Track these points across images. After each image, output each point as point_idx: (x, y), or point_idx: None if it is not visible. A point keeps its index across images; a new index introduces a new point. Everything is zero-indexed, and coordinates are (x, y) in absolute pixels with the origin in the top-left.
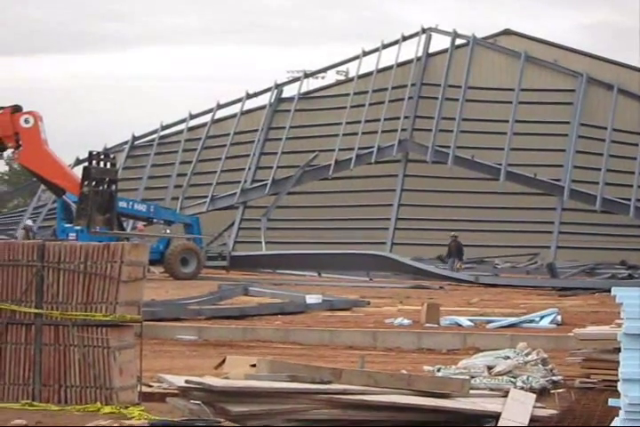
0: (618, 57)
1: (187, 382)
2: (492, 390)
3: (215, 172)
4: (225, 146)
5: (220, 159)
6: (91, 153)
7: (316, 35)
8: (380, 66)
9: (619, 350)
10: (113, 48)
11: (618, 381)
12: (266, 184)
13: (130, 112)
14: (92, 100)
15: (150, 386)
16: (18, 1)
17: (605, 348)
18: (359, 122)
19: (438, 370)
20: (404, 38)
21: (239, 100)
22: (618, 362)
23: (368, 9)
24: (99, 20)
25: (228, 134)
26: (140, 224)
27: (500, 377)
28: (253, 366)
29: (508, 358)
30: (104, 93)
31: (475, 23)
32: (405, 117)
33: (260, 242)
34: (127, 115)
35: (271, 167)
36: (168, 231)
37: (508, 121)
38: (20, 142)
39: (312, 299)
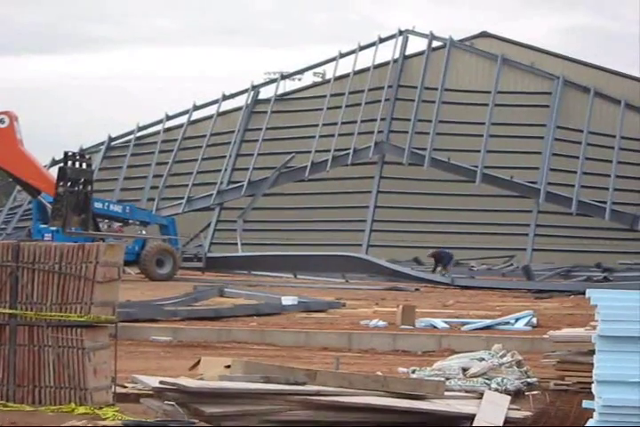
0: (594, 60)
1: (161, 382)
2: (466, 391)
3: (191, 173)
4: (201, 147)
5: (196, 160)
6: (66, 153)
7: (294, 37)
8: (357, 68)
9: (593, 352)
10: (93, 49)
11: (592, 383)
12: (242, 186)
13: (108, 113)
14: (72, 100)
15: (125, 387)
16: (2, 2)
17: (580, 350)
18: (336, 124)
19: (413, 372)
20: (381, 40)
21: (216, 102)
22: (592, 364)
23: (346, 11)
24: (81, 21)
25: (205, 136)
26: (117, 225)
27: (474, 379)
28: (228, 367)
29: (483, 359)
30: (83, 94)
31: (452, 26)
32: (382, 119)
33: (236, 243)
34: (106, 115)
35: (247, 169)
36: (144, 232)
37: (484, 123)
38: None
39: (288, 300)
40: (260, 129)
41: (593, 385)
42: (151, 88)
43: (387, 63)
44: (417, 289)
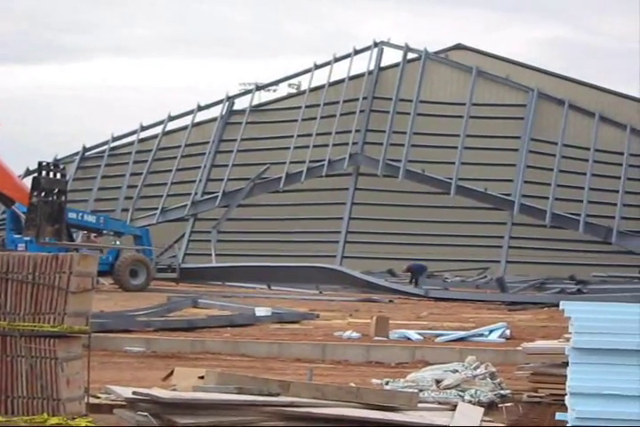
0: (569, 73)
1: (134, 393)
2: (440, 403)
3: (166, 183)
4: (176, 158)
5: (170, 171)
6: (40, 163)
7: (270, 48)
8: (332, 79)
9: (567, 364)
10: (66, 59)
11: (565, 395)
12: (216, 196)
13: (82, 123)
14: (45, 110)
15: (98, 397)
16: None
17: (553, 362)
18: (310, 135)
19: (387, 383)
20: (356, 52)
21: (190, 112)
22: (566, 376)
23: (322, 22)
24: (54, 30)
25: (179, 146)
26: (93, 235)
27: (448, 391)
28: (201, 378)
29: (457, 371)
30: (57, 104)
31: (428, 37)
32: (356, 131)
33: (210, 254)
34: (80, 125)
35: (222, 179)
36: (118, 243)
37: (459, 135)
38: None
39: (261, 311)
40: (235, 140)
41: (566, 397)
42: (126, 98)
43: (362, 75)
44: (391, 301)
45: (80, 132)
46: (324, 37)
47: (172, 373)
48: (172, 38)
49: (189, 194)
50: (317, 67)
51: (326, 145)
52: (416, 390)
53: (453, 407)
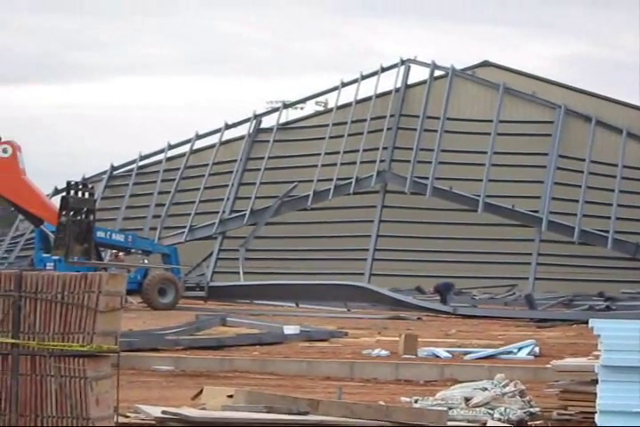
0: (596, 89)
1: (163, 412)
2: (469, 421)
3: (194, 202)
4: (203, 176)
5: (198, 189)
6: (69, 183)
7: (296, 66)
8: (359, 97)
9: (596, 381)
10: (92, 78)
11: (595, 413)
12: (244, 214)
13: (109, 142)
14: (72, 129)
15: (127, 416)
16: None
17: (583, 379)
18: (338, 153)
19: (416, 401)
20: (383, 69)
21: (218, 131)
22: (595, 394)
23: (348, 41)
24: (78, 49)
25: (207, 165)
26: (121, 254)
27: (477, 409)
28: (230, 396)
29: (486, 389)
30: (84, 123)
31: (452, 55)
32: (384, 148)
33: (238, 272)
34: (107, 145)
35: (250, 197)
36: (146, 261)
37: (486, 152)
38: None
39: (290, 329)
40: (263, 158)
41: (596, 415)
42: (153, 118)
43: (389, 92)
44: (419, 318)
45: (107, 151)
46: (351, 56)
47: (201, 391)
48: (198, 57)
49: (217, 212)
50: (344, 84)
51: (354, 163)
52: (445, 409)
53: (483, 425)
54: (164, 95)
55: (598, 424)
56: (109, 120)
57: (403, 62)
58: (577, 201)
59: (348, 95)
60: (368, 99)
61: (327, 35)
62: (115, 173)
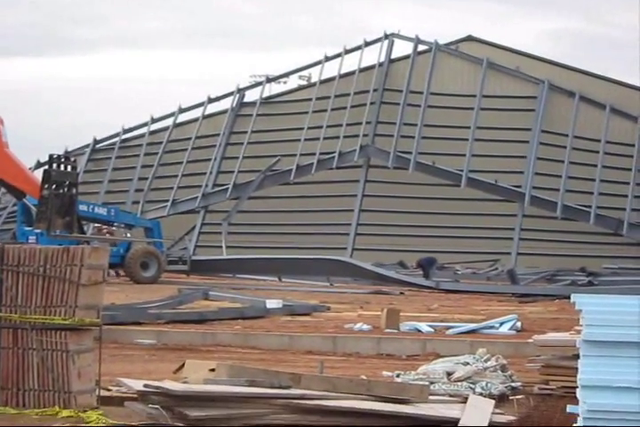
0: (580, 64)
1: (145, 386)
2: (451, 396)
3: (176, 176)
4: (186, 150)
5: (181, 163)
6: (51, 156)
7: (280, 40)
8: (343, 71)
9: (578, 356)
10: (76, 51)
11: (577, 387)
12: (227, 188)
13: (93, 115)
14: (55, 102)
15: (109, 390)
16: None
17: (564, 354)
18: (321, 127)
19: (397, 376)
20: (367, 44)
21: (201, 105)
22: (577, 369)
23: (331, 14)
24: (66, 22)
25: (190, 138)
26: (105, 228)
27: (459, 383)
28: (212, 370)
29: (468, 364)
30: (69, 96)
31: (438, 29)
32: (367, 123)
33: (221, 246)
34: (91, 118)
35: (232, 172)
36: (129, 235)
37: (469, 127)
38: None
39: (272, 304)
40: (246, 132)
41: (577, 390)
42: (136, 90)
43: (372, 67)
44: (401, 293)
45: (90, 124)
46: (334, 30)
47: (182, 365)
48: (181, 31)
49: (200, 186)
50: (328, 59)
51: (337, 137)
52: (427, 383)
53: (464, 400)
54: (148, 68)
55: (579, 399)
56: (92, 93)
57: (386, 37)
58: (560, 176)
59: (331, 69)
60: (351, 73)
61: (312, 9)
62: (97, 146)
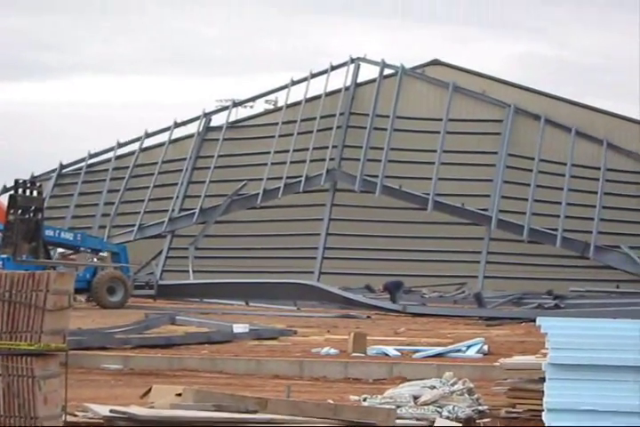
0: (545, 88)
1: (112, 411)
2: (418, 419)
3: (143, 200)
4: (153, 174)
5: (147, 188)
6: (17, 181)
7: (247, 65)
8: (309, 95)
9: (544, 379)
10: (43, 77)
11: (543, 410)
12: (194, 213)
13: (60, 140)
14: (22, 128)
15: (75, 415)
16: None
17: (531, 378)
18: (287, 151)
19: (364, 400)
20: (333, 68)
21: (168, 129)
22: (543, 392)
23: (297, 39)
24: (28, 48)
25: (156, 163)
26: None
27: (425, 407)
28: (179, 395)
29: (434, 387)
30: (33, 122)
31: (403, 53)
32: (334, 147)
33: (188, 271)
34: (57, 142)
35: (199, 196)
36: (95, 260)
37: (436, 151)
38: None
39: (239, 328)
40: (212, 156)
41: (543, 413)
42: (102, 116)
43: (338, 91)
44: (368, 317)
45: (56, 149)
46: (301, 54)
47: (149, 390)
48: (147, 56)
49: (167, 211)
50: (294, 83)
51: (303, 161)
52: (394, 407)
53: (431, 423)
54: (114, 94)
55: (546, 422)
56: (59, 118)
57: (352, 61)
58: (526, 200)
59: (297, 94)
60: (318, 97)
61: (278, 33)
62: (64, 171)
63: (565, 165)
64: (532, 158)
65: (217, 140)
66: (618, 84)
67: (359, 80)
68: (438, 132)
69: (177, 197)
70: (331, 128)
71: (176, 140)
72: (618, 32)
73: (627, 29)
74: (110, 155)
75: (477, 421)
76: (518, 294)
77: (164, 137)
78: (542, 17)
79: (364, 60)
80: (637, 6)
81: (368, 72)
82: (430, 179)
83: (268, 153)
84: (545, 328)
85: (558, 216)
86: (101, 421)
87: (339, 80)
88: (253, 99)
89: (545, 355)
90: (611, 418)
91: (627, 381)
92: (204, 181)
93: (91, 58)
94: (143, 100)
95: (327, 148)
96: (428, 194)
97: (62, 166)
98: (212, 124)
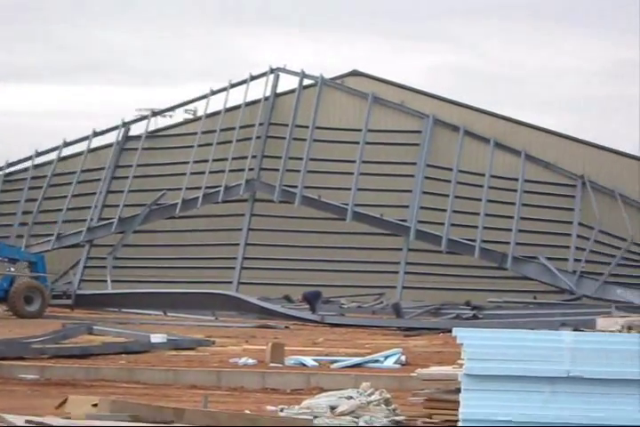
0: (463, 99)
1: (27, 421)
2: None
3: (61, 209)
4: (71, 184)
5: (66, 197)
6: None
7: (166, 74)
8: (228, 105)
9: (460, 390)
10: None
11: (458, 421)
12: (112, 222)
13: None
14: None
15: None
16: None
17: (447, 388)
18: (207, 161)
19: (281, 410)
20: (253, 78)
21: (86, 138)
22: (459, 402)
23: (217, 49)
24: None
25: (75, 172)
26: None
27: (342, 417)
28: (95, 405)
29: (352, 398)
30: None
31: (324, 64)
32: (253, 157)
33: (106, 280)
34: None
35: (118, 205)
36: (12, 269)
37: (355, 161)
38: None
39: (157, 338)
40: (131, 166)
41: (459, 423)
42: (21, 125)
43: (258, 101)
44: (287, 327)
45: None
46: (220, 64)
47: (65, 400)
48: (66, 65)
49: (85, 220)
50: (214, 93)
51: (222, 171)
52: (311, 417)
53: None
54: (32, 103)
55: None
56: None
57: (272, 71)
58: (445, 210)
59: (217, 103)
60: (237, 107)
61: (197, 44)
62: None
63: (484, 176)
64: (451, 169)
65: (136, 149)
66: (536, 96)
67: (279, 90)
68: (357, 143)
69: (95, 206)
70: (250, 138)
71: (95, 149)
72: (536, 43)
73: (545, 40)
74: (28, 164)
75: None
76: (436, 304)
77: (82, 146)
78: (461, 28)
79: (284, 70)
80: (553, 16)
81: (288, 82)
82: (349, 189)
83: (187, 163)
84: (460, 339)
85: (476, 227)
86: None
87: (258, 90)
88: (173, 108)
89: (461, 365)
90: None
91: (541, 391)
92: (122, 191)
93: (7, 66)
94: (61, 109)
95: (246, 158)
96: (347, 204)
97: None
98: (132, 133)
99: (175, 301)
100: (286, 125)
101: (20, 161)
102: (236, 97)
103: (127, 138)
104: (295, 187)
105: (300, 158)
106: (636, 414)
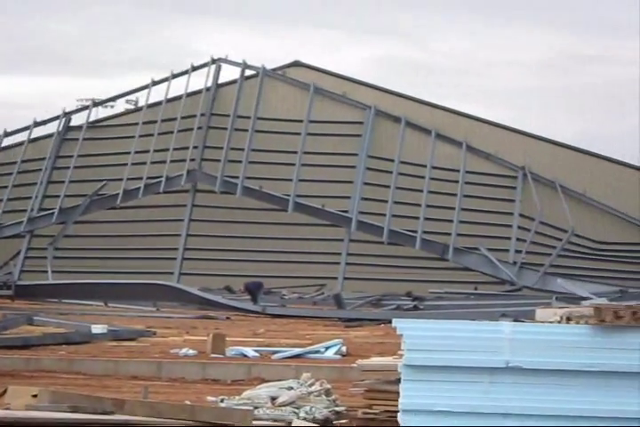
0: (405, 90)
1: None
2: (275, 420)
3: (1, 200)
4: (12, 174)
5: (6, 187)
6: None
7: (107, 64)
8: (170, 96)
9: (400, 381)
10: None
11: (398, 411)
12: (53, 213)
13: None
14: None
15: None
16: None
17: (387, 379)
18: (148, 151)
19: (222, 401)
20: (194, 68)
21: (27, 128)
22: (399, 393)
23: (159, 40)
24: None
25: (15, 162)
26: None
27: (283, 408)
28: (35, 396)
29: (292, 388)
30: None
31: (266, 55)
32: (194, 147)
33: (47, 271)
34: None
35: (59, 196)
36: None
37: (296, 152)
38: None
39: (97, 329)
40: (72, 156)
41: (399, 414)
42: None
43: (199, 91)
44: (228, 318)
45: None
46: (162, 54)
47: (5, 391)
48: (5, 55)
49: (25, 210)
50: (155, 83)
51: (164, 161)
52: (251, 408)
53: (288, 424)
54: None
55: (401, 423)
56: None
57: (214, 61)
58: (386, 201)
59: (158, 94)
60: (179, 98)
61: (139, 34)
62: None
63: (425, 167)
64: (393, 160)
65: (77, 139)
66: (477, 87)
67: (221, 81)
68: (299, 134)
69: (36, 196)
70: (191, 129)
71: (35, 139)
72: (478, 36)
73: (487, 33)
74: None
75: (334, 422)
76: (378, 295)
77: (23, 136)
78: (403, 20)
79: (226, 60)
80: (497, 11)
81: (230, 73)
82: (291, 180)
83: (129, 153)
84: (400, 330)
85: (418, 218)
86: None
87: (200, 81)
88: (114, 98)
89: (402, 356)
90: (465, 419)
91: (481, 382)
92: (63, 181)
93: None
94: (1, 99)
95: (188, 148)
96: (289, 195)
97: None
98: (73, 123)
99: (116, 291)
100: (228, 116)
101: None
102: (178, 87)
103: (68, 128)
104: (237, 177)
105: (242, 149)
106: (573, 405)
